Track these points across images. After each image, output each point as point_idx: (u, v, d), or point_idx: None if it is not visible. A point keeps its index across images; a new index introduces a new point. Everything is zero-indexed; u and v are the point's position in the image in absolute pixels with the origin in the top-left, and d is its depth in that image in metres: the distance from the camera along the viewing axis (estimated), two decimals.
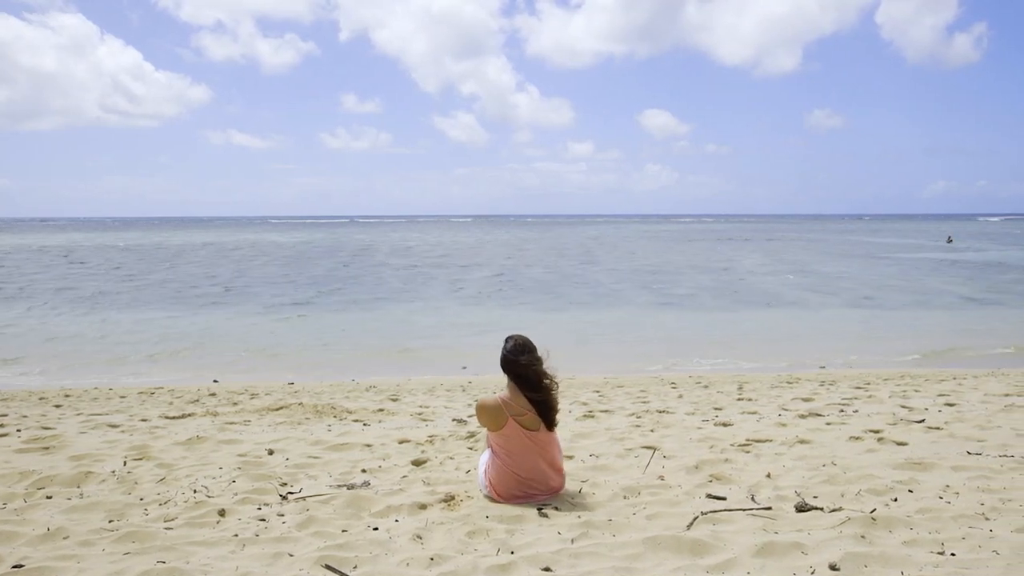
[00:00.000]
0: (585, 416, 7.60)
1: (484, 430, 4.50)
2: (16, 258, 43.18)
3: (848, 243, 62.83)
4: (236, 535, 3.59)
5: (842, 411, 7.60)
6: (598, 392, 9.97)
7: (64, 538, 3.55)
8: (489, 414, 4.25)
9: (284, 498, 4.31)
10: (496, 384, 10.54)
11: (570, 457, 5.42)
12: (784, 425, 6.73)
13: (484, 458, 4.43)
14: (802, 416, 7.30)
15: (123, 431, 6.81)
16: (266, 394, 10.21)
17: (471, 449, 5.74)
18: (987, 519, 3.66)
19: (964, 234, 79.99)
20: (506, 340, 4.35)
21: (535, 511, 4.00)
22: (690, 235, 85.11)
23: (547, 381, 4.25)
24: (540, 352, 4.32)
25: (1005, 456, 5.18)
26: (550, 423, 4.24)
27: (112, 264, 39.00)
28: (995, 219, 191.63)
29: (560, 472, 4.37)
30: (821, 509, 3.92)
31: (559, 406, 4.39)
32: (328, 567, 3.11)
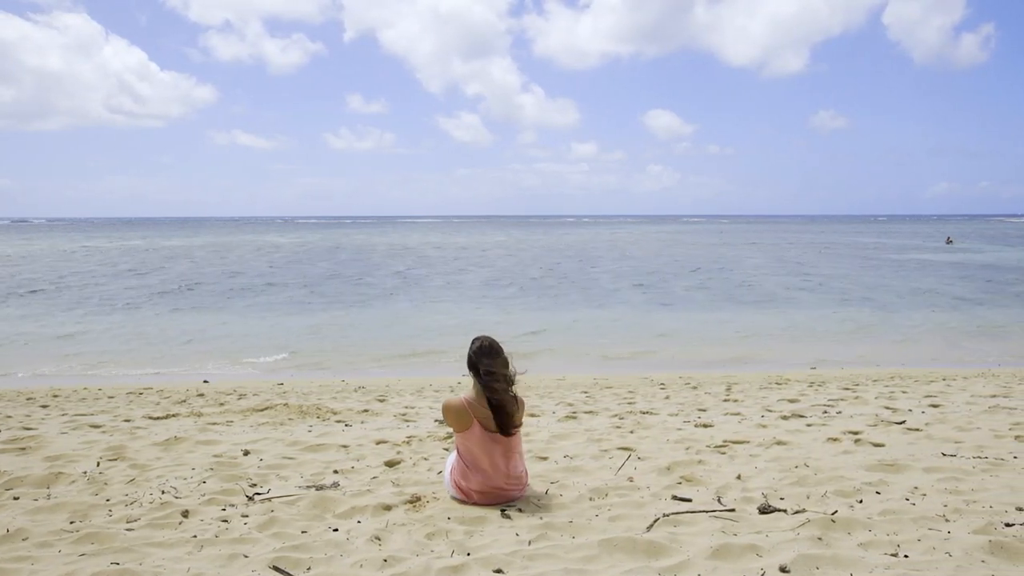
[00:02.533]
0: (567, 417, 7.58)
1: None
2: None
3: (848, 244, 62.74)
4: (195, 536, 3.59)
5: (825, 412, 7.58)
6: (585, 393, 9.96)
7: (23, 539, 3.55)
8: (454, 415, 4.24)
9: (250, 499, 4.31)
10: None
11: (544, 458, 5.42)
12: (764, 427, 6.71)
13: (451, 459, 4.43)
14: (784, 417, 7.28)
15: (104, 431, 6.81)
16: (254, 395, 10.22)
17: (447, 450, 5.73)
18: (947, 520, 3.65)
19: (970, 235, 79.94)
20: (473, 341, 4.34)
21: (498, 513, 3.99)
22: (691, 236, 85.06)
23: (508, 386, 4.22)
24: (506, 355, 4.29)
25: (979, 458, 5.16)
26: (506, 429, 4.21)
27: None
28: (1021, 219, 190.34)
29: (524, 474, 4.36)
30: (784, 511, 3.90)
31: (524, 409, 4.37)
32: (276, 568, 3.11)
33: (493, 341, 4.31)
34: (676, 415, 7.66)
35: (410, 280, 30.54)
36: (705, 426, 6.81)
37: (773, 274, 32.59)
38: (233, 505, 4.19)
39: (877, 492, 4.30)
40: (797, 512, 3.87)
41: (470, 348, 4.30)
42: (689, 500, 4.19)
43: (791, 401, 8.62)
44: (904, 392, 9.28)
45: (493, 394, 4.19)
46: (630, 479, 4.69)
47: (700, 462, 5.20)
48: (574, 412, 7.95)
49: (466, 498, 4.22)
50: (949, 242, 60.40)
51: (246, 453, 5.66)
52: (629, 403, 8.78)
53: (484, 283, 29.21)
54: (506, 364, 4.26)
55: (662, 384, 10.93)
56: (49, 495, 4.38)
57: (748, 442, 5.92)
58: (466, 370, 4.35)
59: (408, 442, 6.10)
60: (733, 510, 3.94)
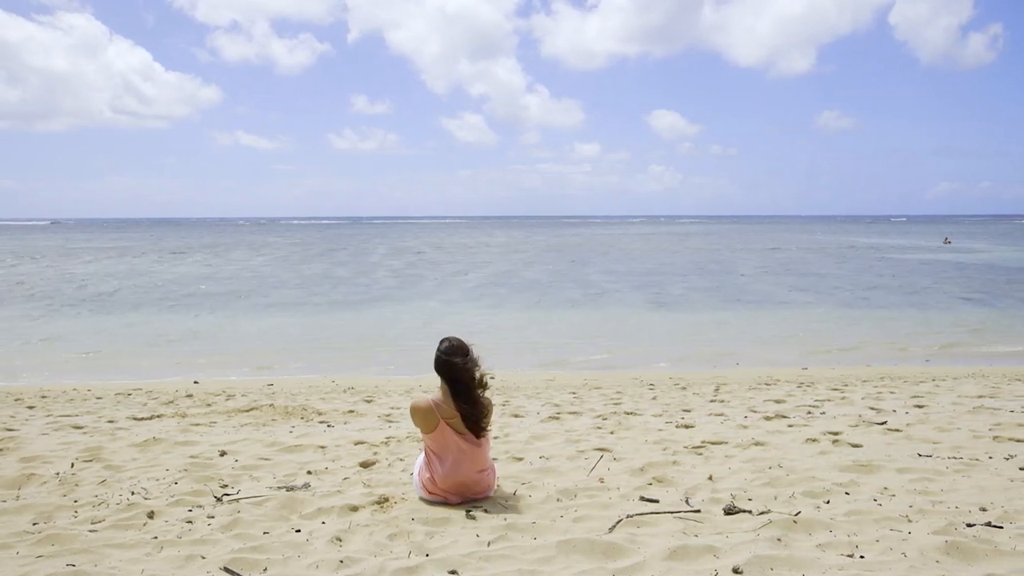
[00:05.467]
0: (550, 418, 7.57)
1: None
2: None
3: (848, 244, 62.69)
4: (155, 537, 3.59)
5: (809, 413, 7.57)
6: (573, 394, 9.94)
7: None
8: (421, 416, 4.25)
9: (219, 500, 4.31)
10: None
11: (520, 459, 5.41)
12: (745, 427, 6.70)
13: (419, 459, 4.43)
14: (768, 418, 7.26)
15: (85, 432, 6.81)
16: (242, 395, 10.21)
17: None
18: (910, 521, 3.64)
19: (969, 235, 79.90)
20: (440, 342, 4.33)
21: (463, 513, 3.99)
22: (691, 237, 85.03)
23: (478, 387, 4.22)
24: (475, 356, 4.29)
25: (954, 458, 5.15)
26: (477, 430, 4.21)
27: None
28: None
29: (491, 474, 4.36)
30: (749, 512, 3.89)
31: (491, 410, 4.36)
32: (227, 570, 3.10)
33: (461, 341, 4.30)
34: (660, 416, 7.65)
35: (409, 280, 30.56)
36: (686, 427, 6.80)
37: (770, 274, 32.56)
38: (200, 506, 4.19)
39: (846, 493, 4.29)
40: (762, 513, 3.86)
41: (437, 349, 4.29)
42: (656, 501, 4.18)
43: (777, 402, 8.60)
44: (892, 393, 9.25)
45: (461, 396, 4.19)
46: (601, 480, 4.69)
47: (675, 463, 5.19)
48: (558, 413, 7.93)
49: (433, 498, 4.22)
50: (947, 242, 60.33)
51: (222, 454, 5.66)
52: (615, 404, 8.76)
53: (482, 283, 29.22)
54: (475, 365, 4.25)
55: (651, 385, 10.90)
56: (18, 496, 4.39)
57: (726, 443, 5.91)
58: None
59: (387, 443, 6.10)
60: (698, 511, 3.93)
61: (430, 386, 11.24)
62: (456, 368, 4.20)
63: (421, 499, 4.29)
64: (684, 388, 10.38)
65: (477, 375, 4.23)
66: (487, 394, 4.33)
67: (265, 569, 3.20)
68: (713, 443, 5.91)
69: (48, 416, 8.12)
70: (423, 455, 4.37)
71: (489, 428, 4.31)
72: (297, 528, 3.77)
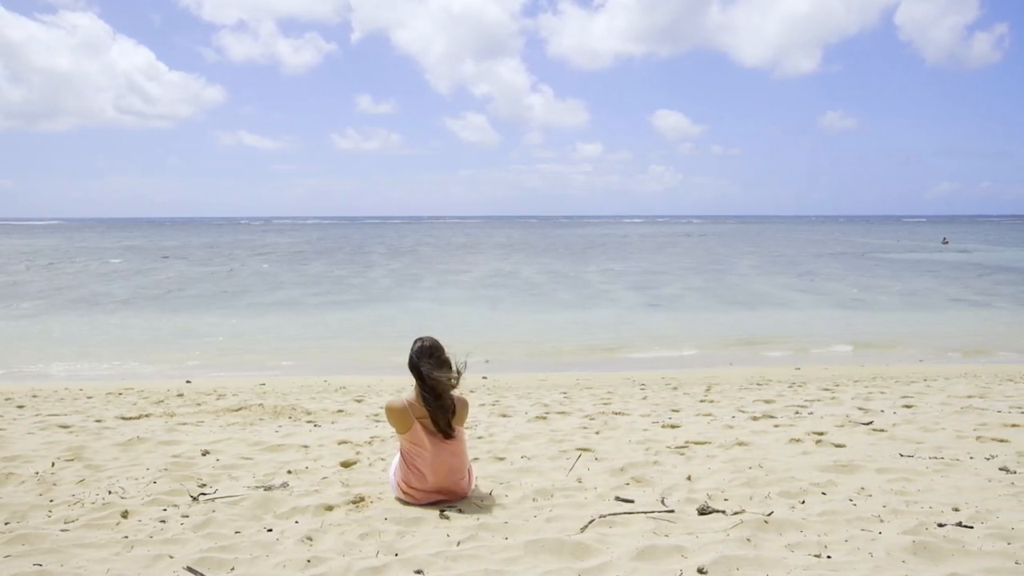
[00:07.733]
0: (537, 418, 7.56)
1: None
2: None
3: (846, 244, 62.68)
4: (126, 537, 3.58)
5: (797, 413, 7.55)
6: (564, 393, 9.93)
7: None
8: (395, 416, 4.25)
9: (195, 499, 4.30)
10: (473, 384, 10.63)
11: (501, 459, 5.40)
12: (731, 427, 6.68)
13: (395, 459, 4.43)
14: (755, 418, 7.25)
15: (71, 432, 6.81)
16: (233, 395, 10.20)
17: None
18: (882, 521, 3.62)
19: (967, 236, 79.86)
20: (414, 342, 4.33)
21: (437, 513, 3.98)
22: (691, 236, 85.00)
23: (450, 387, 4.21)
24: (449, 356, 4.28)
25: (935, 458, 5.14)
26: (446, 431, 4.20)
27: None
28: None
29: (466, 474, 4.35)
30: (723, 512, 3.89)
31: (467, 410, 4.36)
32: (190, 570, 3.10)
33: (435, 341, 4.30)
34: (647, 416, 7.63)
35: (408, 279, 30.57)
36: (672, 427, 6.79)
37: (767, 275, 32.56)
38: (176, 505, 4.18)
39: (823, 493, 4.28)
40: (736, 513, 3.85)
41: (411, 349, 4.29)
42: (631, 501, 4.17)
43: (767, 402, 8.58)
44: (882, 393, 9.24)
45: (434, 396, 4.19)
46: (579, 480, 4.68)
47: (656, 463, 5.18)
48: (546, 413, 7.92)
49: (408, 498, 4.21)
50: (945, 243, 60.37)
51: (205, 454, 5.65)
52: (605, 403, 8.75)
53: (480, 283, 29.23)
54: (449, 365, 4.25)
55: (643, 385, 10.90)
56: None
57: (709, 443, 5.90)
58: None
59: (370, 442, 6.09)
60: (672, 511, 3.92)
61: None
62: (426, 368, 4.19)
63: (397, 499, 4.29)
64: (675, 388, 10.37)
65: (450, 375, 4.22)
66: (461, 393, 4.33)
67: (232, 568, 3.19)
68: (697, 443, 5.90)
69: (36, 415, 8.11)
70: (399, 455, 4.37)
71: (460, 428, 4.30)
72: (269, 528, 3.76)
